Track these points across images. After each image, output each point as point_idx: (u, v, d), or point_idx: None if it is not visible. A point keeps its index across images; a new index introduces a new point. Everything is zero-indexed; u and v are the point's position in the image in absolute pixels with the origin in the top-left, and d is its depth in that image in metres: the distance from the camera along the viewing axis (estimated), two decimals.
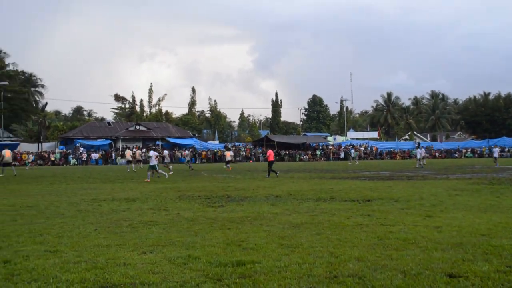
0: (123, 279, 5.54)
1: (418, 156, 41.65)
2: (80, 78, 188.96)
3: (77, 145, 68.26)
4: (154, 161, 25.73)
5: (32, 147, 69.47)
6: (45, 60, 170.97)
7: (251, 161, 68.71)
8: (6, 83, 71.20)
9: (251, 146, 79.16)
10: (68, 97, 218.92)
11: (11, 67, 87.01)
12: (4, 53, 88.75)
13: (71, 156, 63.61)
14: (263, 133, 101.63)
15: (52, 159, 62.47)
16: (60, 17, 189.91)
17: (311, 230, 8.64)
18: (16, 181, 25.33)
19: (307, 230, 8.70)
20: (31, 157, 59.29)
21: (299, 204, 13.05)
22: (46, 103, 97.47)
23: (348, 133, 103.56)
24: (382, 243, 7.42)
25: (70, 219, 10.42)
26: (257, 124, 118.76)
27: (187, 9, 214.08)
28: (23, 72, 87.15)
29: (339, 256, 6.55)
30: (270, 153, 29.09)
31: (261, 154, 72.93)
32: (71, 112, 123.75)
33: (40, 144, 69.91)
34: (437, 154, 79.21)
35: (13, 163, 38.08)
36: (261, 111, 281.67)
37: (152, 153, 26.68)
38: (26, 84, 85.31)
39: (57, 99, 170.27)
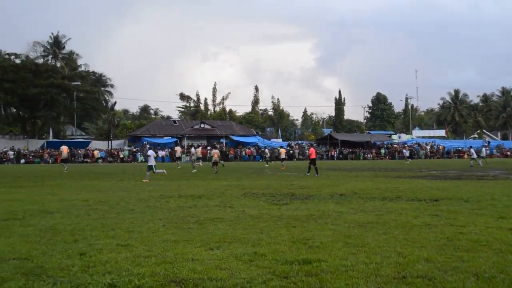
0: (192, 274, 5.66)
1: (474, 156, 40.11)
2: (147, 78, 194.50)
3: (144, 143, 70.29)
4: (152, 161, 24.66)
5: (102, 145, 72.15)
6: (114, 60, 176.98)
7: None
8: (79, 83, 74.28)
9: (315, 144, 78.75)
10: (136, 96, 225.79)
11: (83, 68, 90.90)
12: (77, 54, 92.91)
13: (139, 153, 65.59)
14: (326, 131, 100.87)
15: (121, 156, 64.61)
16: (128, 18, 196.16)
17: (377, 230, 8.51)
18: (88, 177, 26.37)
19: (374, 229, 8.58)
20: (99, 154, 61.44)
21: (364, 203, 12.88)
22: (115, 102, 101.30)
23: (413, 131, 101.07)
24: (452, 244, 7.21)
25: (140, 215, 10.75)
26: (320, 122, 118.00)
27: (249, 8, 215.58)
28: (94, 73, 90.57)
29: (407, 256, 6.42)
30: (312, 151, 29.61)
31: (325, 153, 72.46)
32: (139, 110, 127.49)
33: (109, 141, 72.48)
34: (508, 153, 75.84)
35: (85, 160, 39.76)
36: (324, 109, 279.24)
37: (150, 152, 25.86)
38: (97, 84, 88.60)
39: (125, 98, 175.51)
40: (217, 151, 34.13)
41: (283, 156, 42.87)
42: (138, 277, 5.53)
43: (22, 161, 59.90)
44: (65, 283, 5.33)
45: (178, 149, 39.91)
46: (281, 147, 60.57)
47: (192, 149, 45.47)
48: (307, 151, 69.89)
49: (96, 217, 10.37)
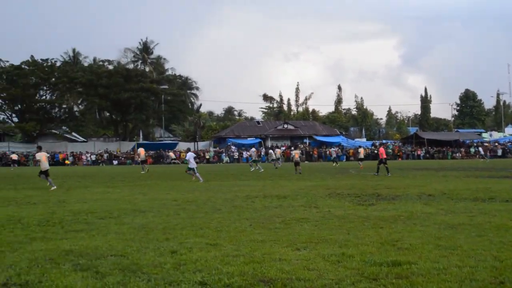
0: (280, 274, 5.70)
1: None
2: (231, 79, 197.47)
3: (229, 144, 71.56)
4: (193, 164, 24.20)
5: (189, 146, 74.22)
6: (199, 64, 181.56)
7: (400, 159, 66.48)
8: (166, 86, 76.91)
9: (400, 144, 76.70)
10: (220, 98, 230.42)
11: (170, 72, 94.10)
12: (164, 59, 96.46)
13: (224, 154, 66.86)
14: (412, 130, 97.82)
15: (207, 157, 66.12)
16: (211, 22, 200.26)
17: (470, 232, 8.15)
18: (177, 177, 27.20)
19: (466, 231, 8.23)
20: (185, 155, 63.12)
21: (454, 203, 12.38)
22: (201, 105, 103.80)
23: (506, 128, 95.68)
24: None
25: (227, 215, 10.96)
26: (405, 121, 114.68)
27: (331, 6, 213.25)
28: (180, 76, 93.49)
29: (505, 260, 6.10)
30: (382, 151, 29.54)
31: (411, 152, 70.36)
32: (223, 112, 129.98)
33: (195, 143, 74.41)
34: None
35: (173, 161, 41.06)
36: (409, 108, 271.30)
37: (190, 155, 25.45)
38: (183, 87, 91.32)
39: (210, 100, 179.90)
40: (298, 151, 34.06)
41: (361, 156, 42.34)
42: (227, 276, 5.64)
43: (115, 162, 62.86)
44: (158, 280, 5.54)
45: (141, 150, 38.33)
46: (360, 146, 59.78)
47: (270, 151, 46.80)
48: (391, 150, 68.42)
49: (185, 216, 10.69)
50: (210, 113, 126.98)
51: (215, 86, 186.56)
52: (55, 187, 19.34)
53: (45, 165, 20.18)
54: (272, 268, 5.92)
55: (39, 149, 21.69)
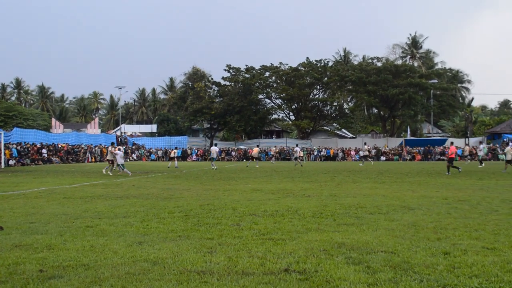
0: None
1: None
2: (507, 71, 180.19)
3: (505, 139, 65.40)
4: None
5: (459, 142, 70.28)
6: (471, 55, 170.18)
7: None
8: (436, 80, 74.17)
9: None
10: (494, 91, 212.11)
11: (439, 66, 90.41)
12: (433, 53, 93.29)
13: (500, 150, 61.35)
14: None
15: (479, 154, 61.47)
16: (485, 9, 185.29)
17: None
18: (447, 175, 25.96)
19: None
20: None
21: None
22: (472, 98, 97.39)
23: None
24: None
25: (505, 217, 10.05)
26: None
27: None
28: (450, 70, 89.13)
29: None
30: (453, 149, 28.50)
31: None
32: (498, 106, 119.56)
33: (466, 139, 70.09)
34: None
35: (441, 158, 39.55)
36: None
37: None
38: (453, 81, 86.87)
39: (483, 93, 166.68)
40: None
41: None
42: (510, 285, 5.16)
43: (383, 158, 63.19)
44: (431, 281, 5.37)
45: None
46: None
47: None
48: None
49: (457, 216, 10.14)
50: (483, 108, 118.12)
51: (489, 79, 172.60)
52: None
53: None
54: None
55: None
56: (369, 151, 52.02)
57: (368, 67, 75.66)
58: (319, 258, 6.43)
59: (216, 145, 44.45)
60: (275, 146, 55.06)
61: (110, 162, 28.33)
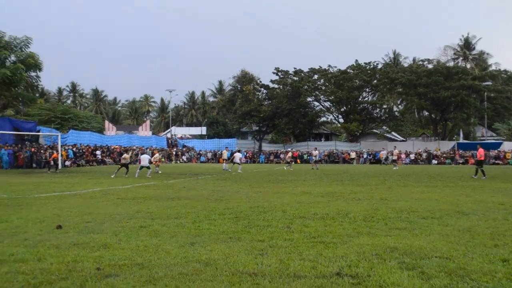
0: None
1: None
2: None
3: None
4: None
5: None
6: None
7: None
8: (489, 83, 72.00)
9: None
10: None
11: (493, 67, 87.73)
12: (487, 54, 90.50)
13: None
14: None
15: None
16: None
17: None
18: (502, 179, 25.13)
19: None
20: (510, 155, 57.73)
21: None
22: None
23: None
24: None
25: None
26: None
27: None
28: (505, 71, 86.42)
29: None
30: (481, 152, 27.48)
31: None
32: None
33: None
34: None
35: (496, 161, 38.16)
36: None
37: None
38: (509, 82, 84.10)
39: None
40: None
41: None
42: None
43: (434, 161, 61.74)
44: None
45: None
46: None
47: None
48: None
49: None
50: None
51: None
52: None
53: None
54: None
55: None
56: (399, 156, 50.92)
57: (418, 69, 74.07)
58: (371, 263, 6.36)
59: (240, 151, 45.54)
60: (315, 149, 54.04)
61: (125, 166, 28.29)
